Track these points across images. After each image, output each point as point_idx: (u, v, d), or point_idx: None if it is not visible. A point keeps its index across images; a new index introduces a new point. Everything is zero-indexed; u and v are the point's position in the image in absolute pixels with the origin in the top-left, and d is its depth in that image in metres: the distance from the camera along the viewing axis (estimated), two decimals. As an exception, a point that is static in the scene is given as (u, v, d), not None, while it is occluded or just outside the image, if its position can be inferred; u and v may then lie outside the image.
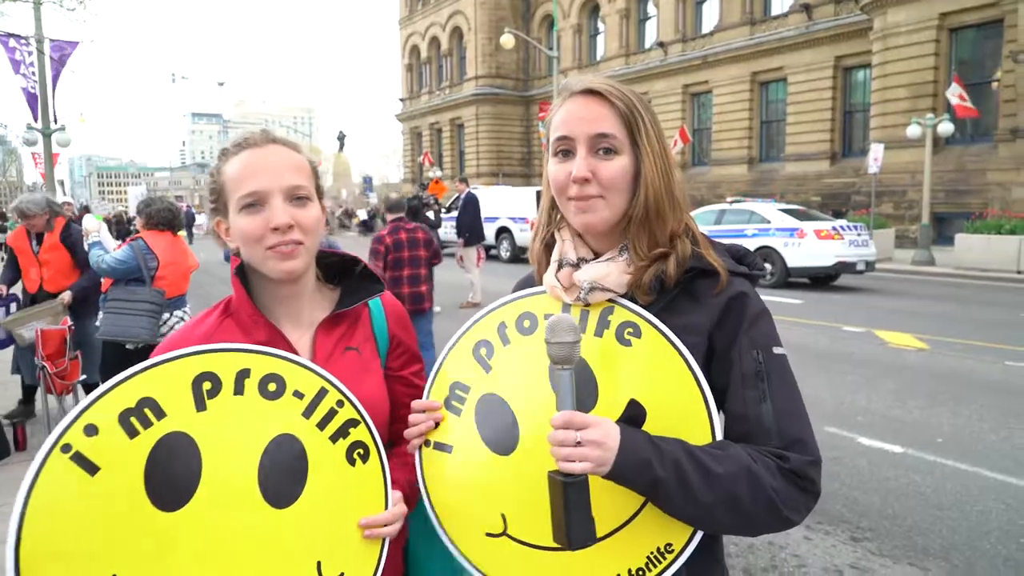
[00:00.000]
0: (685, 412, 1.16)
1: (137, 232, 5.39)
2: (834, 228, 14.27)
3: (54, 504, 1.03)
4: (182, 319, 5.34)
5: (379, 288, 1.45)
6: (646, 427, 1.17)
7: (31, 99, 17.45)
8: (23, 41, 17.01)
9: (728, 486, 1.09)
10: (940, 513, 4.24)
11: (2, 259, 6.57)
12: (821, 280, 14.87)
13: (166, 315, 5.23)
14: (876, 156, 19.45)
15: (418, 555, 1.44)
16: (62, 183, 29.09)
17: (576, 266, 1.27)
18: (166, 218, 5.27)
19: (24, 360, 5.84)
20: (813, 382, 7.12)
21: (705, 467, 1.09)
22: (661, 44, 34.39)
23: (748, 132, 31.26)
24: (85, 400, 1.09)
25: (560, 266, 1.29)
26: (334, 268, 1.46)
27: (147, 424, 1.10)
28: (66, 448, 1.05)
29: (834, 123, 28.33)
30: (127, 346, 4.94)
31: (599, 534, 1.13)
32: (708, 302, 1.23)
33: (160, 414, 1.11)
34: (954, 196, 21.69)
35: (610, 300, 1.25)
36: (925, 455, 5.19)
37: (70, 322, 5.72)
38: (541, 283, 1.36)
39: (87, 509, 1.05)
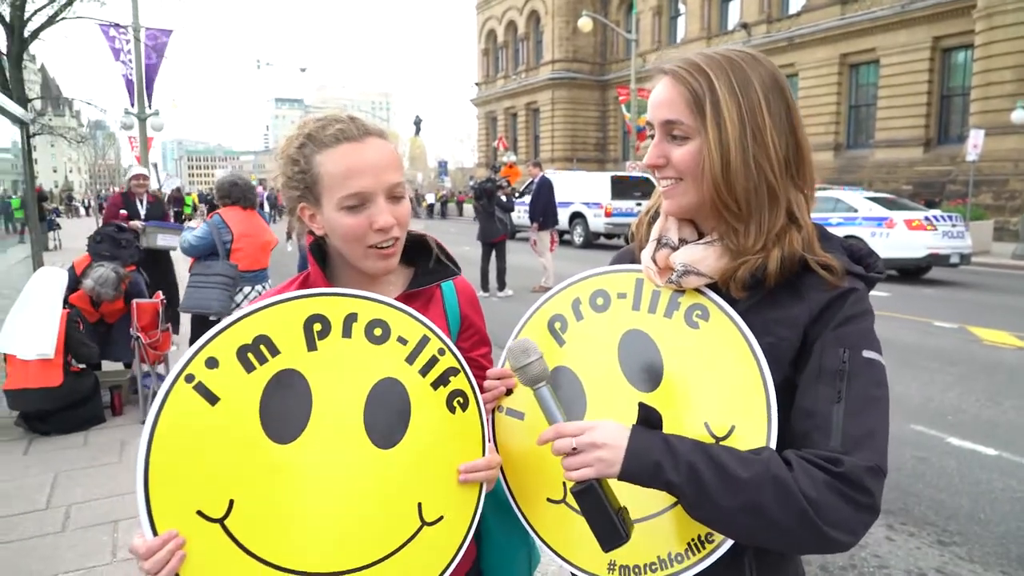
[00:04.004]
0: (743, 402, 1.13)
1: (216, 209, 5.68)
2: (927, 218, 13.55)
3: (179, 429, 1.09)
4: (261, 294, 5.57)
5: (454, 271, 1.46)
6: (702, 414, 1.15)
7: (129, 85, 18.38)
8: (122, 30, 17.91)
9: (751, 493, 1.01)
10: (1038, 521, 3.98)
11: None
12: (911, 273, 14.18)
13: (247, 289, 5.50)
14: (976, 142, 18.33)
15: (490, 526, 1.45)
16: (155, 166, 30.60)
17: (676, 248, 1.24)
18: (238, 193, 5.57)
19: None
20: (900, 378, 6.79)
21: (725, 471, 1.02)
22: (744, 25, 33.29)
23: (835, 117, 29.99)
24: (206, 335, 1.15)
25: (659, 245, 1.26)
26: (411, 248, 1.46)
27: (263, 360, 1.15)
28: (190, 378, 1.11)
29: (930, 108, 26.86)
30: (210, 318, 5.21)
31: (643, 514, 1.15)
32: (811, 296, 1.14)
33: (274, 351, 1.16)
34: (1062, 186, 20.27)
35: (698, 290, 1.21)
36: (1022, 459, 4.89)
37: (162, 296, 6.02)
38: (638, 253, 1.35)
39: (208, 436, 1.10)
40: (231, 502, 1.10)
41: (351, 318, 1.22)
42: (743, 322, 1.16)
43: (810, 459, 1.04)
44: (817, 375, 1.10)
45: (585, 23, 25.85)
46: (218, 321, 1.15)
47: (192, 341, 5.49)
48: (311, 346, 1.18)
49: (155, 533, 1.05)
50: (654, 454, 1.06)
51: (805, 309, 1.14)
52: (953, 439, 5.27)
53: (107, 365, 6.26)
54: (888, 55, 27.73)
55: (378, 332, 1.23)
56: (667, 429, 1.16)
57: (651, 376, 1.22)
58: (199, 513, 1.08)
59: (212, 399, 1.12)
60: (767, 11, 32.77)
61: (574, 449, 1.08)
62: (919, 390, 6.47)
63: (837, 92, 29.90)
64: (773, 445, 1.10)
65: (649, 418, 1.12)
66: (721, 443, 1.12)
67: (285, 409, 1.15)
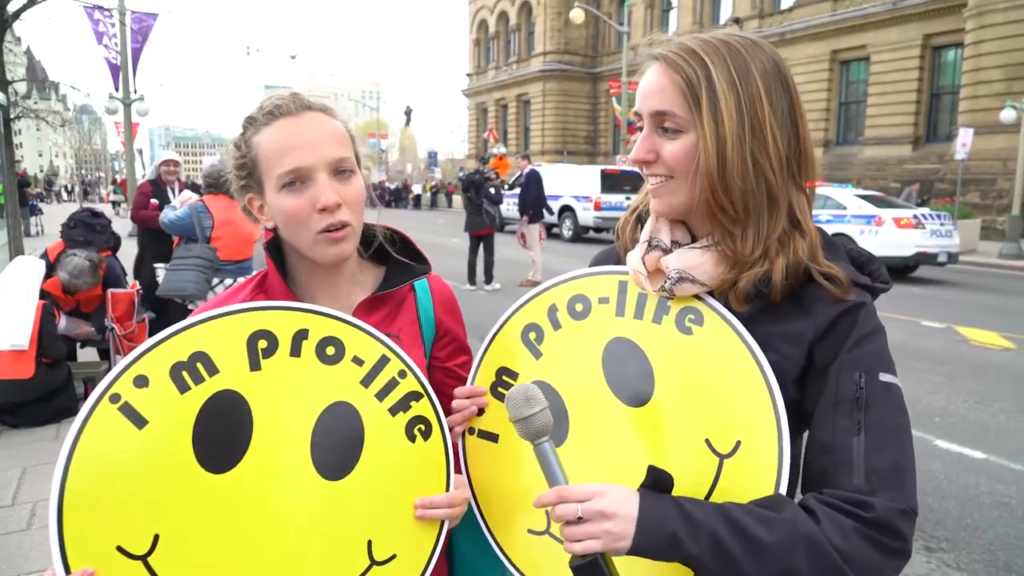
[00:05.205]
0: (747, 413, 1.04)
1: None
2: (915, 216, 13.57)
3: (100, 454, 0.99)
4: None
5: (426, 269, 1.34)
6: (702, 430, 1.04)
7: (113, 69, 18.07)
8: (106, 12, 17.58)
9: (781, 558, 0.91)
10: (1026, 527, 3.94)
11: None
12: (899, 271, 14.18)
13: (229, 281, 5.41)
14: (964, 141, 18.40)
15: (464, 555, 1.34)
16: (141, 151, 30.19)
17: (668, 250, 1.12)
18: (222, 182, 5.48)
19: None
20: (887, 378, 6.75)
21: (750, 536, 0.91)
22: (736, 20, 33.21)
23: (825, 114, 30.01)
24: (137, 350, 1.04)
25: (649, 247, 1.14)
26: (379, 244, 1.35)
27: (199, 380, 1.04)
28: (115, 398, 1.01)
29: (919, 105, 26.94)
30: (188, 305, 5.14)
31: None
32: (816, 310, 1.04)
33: (212, 370, 1.05)
34: (1049, 186, 20.37)
35: (697, 296, 1.10)
36: (1010, 463, 4.84)
37: (138, 286, 5.89)
38: (623, 254, 1.24)
39: (133, 463, 1.00)
40: (156, 537, 0.99)
41: (301, 335, 1.11)
42: (741, 325, 1.05)
43: (835, 504, 0.94)
44: (833, 405, 1.00)
45: (577, 15, 25.71)
46: (185, 305, 1.04)
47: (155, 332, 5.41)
48: (254, 365, 1.07)
49: (68, 570, 0.94)
50: (669, 524, 0.93)
51: (811, 325, 1.04)
52: (941, 442, 5.23)
53: (82, 356, 6.11)
54: (879, 52, 27.76)
55: (331, 351, 1.12)
56: (662, 448, 1.06)
57: (641, 389, 1.11)
58: (119, 549, 0.98)
59: (140, 422, 1.01)
60: (759, 6, 32.74)
61: (579, 518, 0.94)
62: (907, 391, 6.26)
63: (827, 89, 29.92)
64: (787, 459, 1.00)
65: (659, 481, 0.99)
66: (727, 460, 1.03)
67: (221, 435, 1.04)
